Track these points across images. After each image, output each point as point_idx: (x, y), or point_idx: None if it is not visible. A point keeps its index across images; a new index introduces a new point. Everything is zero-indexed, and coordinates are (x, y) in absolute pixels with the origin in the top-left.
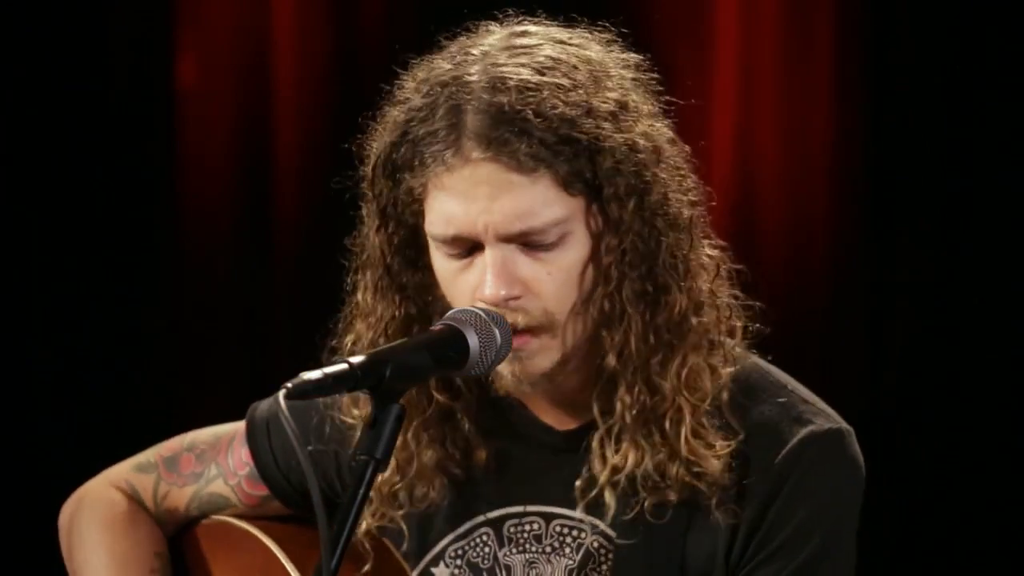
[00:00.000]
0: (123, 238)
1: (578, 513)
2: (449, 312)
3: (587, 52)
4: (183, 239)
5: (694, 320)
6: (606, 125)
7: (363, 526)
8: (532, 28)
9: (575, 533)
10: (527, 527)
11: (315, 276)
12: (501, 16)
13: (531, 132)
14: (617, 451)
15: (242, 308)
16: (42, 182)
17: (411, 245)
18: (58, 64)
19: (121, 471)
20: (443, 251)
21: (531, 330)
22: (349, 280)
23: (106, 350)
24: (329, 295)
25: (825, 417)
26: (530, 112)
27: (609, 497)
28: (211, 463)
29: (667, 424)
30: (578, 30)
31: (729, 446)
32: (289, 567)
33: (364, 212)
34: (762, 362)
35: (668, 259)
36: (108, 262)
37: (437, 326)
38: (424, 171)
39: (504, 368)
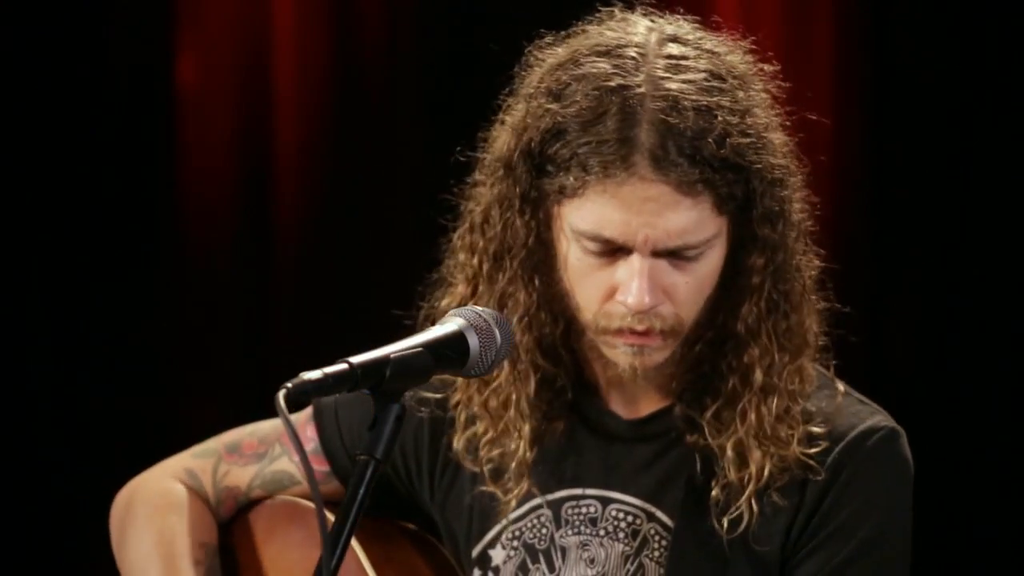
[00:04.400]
0: (123, 238)
1: (635, 500)
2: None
3: (735, 67)
4: (183, 239)
5: (815, 330)
6: (762, 149)
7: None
8: (671, 29)
9: (630, 519)
10: (583, 509)
11: (315, 276)
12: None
13: (704, 159)
14: (747, 461)
15: (242, 308)
16: (42, 182)
17: (542, 237)
18: (58, 64)
19: (179, 459)
20: (584, 246)
21: (662, 333)
22: (454, 238)
23: (105, 350)
24: (329, 295)
25: (883, 416)
26: (709, 139)
27: (745, 507)
28: (275, 443)
29: (782, 431)
30: (711, 34)
31: (804, 432)
32: (355, 545)
33: (487, 180)
34: (816, 364)
35: (796, 274)
36: (108, 262)
37: (437, 326)
38: (585, 175)
39: (624, 360)
